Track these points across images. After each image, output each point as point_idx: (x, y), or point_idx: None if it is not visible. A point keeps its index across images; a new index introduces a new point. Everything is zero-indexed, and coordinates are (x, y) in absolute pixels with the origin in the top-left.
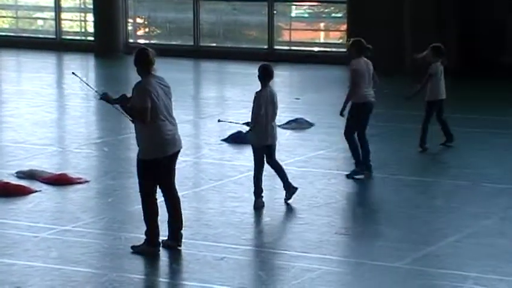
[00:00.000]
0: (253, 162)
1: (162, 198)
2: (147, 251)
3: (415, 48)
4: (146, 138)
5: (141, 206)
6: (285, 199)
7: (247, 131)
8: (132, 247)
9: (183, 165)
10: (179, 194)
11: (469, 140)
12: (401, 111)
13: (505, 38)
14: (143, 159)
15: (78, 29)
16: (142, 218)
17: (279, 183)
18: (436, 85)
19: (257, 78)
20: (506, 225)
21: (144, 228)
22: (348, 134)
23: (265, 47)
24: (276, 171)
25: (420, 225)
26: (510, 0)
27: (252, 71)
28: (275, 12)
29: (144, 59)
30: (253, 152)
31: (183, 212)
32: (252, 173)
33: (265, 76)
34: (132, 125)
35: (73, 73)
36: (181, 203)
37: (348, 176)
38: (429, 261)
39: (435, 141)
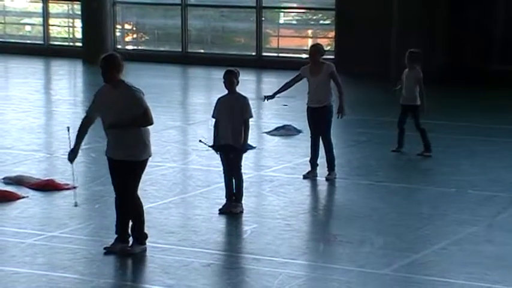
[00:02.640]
0: (240, 168)
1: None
2: (140, 249)
3: (402, 54)
4: (143, 137)
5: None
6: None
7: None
8: (121, 250)
9: (170, 171)
10: (167, 199)
11: (455, 147)
12: (387, 118)
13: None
14: (142, 160)
15: (66, 35)
16: (132, 222)
17: (267, 189)
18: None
19: (233, 84)
20: (493, 233)
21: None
22: (329, 136)
23: (253, 53)
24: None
25: (406, 232)
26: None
27: (240, 77)
28: (263, 19)
29: (118, 63)
30: (241, 159)
31: (170, 217)
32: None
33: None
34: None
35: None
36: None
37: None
38: (415, 268)
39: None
